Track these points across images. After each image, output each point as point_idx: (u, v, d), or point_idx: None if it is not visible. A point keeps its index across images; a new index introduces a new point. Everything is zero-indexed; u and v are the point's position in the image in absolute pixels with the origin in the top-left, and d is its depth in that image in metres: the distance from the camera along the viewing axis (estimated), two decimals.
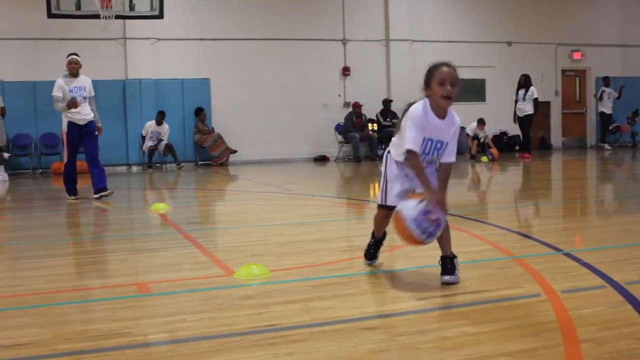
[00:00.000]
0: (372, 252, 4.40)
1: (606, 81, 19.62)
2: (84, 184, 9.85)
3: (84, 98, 9.04)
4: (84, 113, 9.05)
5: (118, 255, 5.22)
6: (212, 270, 4.52)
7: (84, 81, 9.17)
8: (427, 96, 3.85)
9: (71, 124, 9.04)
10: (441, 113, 3.83)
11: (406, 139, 3.80)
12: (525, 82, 16.02)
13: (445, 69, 3.78)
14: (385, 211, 4.12)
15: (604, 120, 19.66)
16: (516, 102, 16.08)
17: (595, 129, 21.13)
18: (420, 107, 3.83)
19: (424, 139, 3.82)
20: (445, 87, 3.74)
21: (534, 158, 16.02)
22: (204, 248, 5.32)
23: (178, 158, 16.18)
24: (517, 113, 16.04)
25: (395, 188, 4.01)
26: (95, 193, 9.12)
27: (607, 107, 19.52)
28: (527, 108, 15.86)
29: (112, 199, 9.01)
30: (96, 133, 9.25)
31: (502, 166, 14.52)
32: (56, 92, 9.01)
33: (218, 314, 3.40)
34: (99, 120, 9.36)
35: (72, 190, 9.29)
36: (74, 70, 9.10)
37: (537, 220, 6.87)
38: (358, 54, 18.47)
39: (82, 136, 9.10)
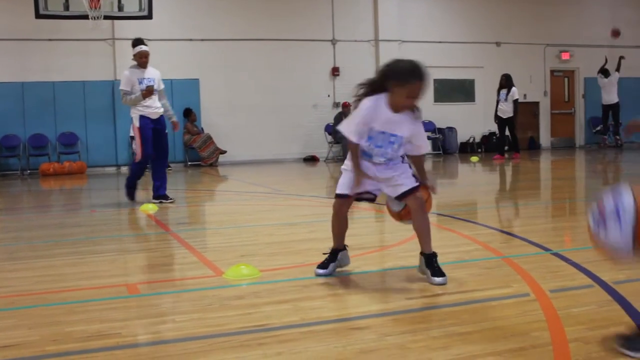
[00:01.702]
0: (324, 262, 4.17)
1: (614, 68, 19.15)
2: (74, 184, 9.79)
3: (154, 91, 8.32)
4: (156, 106, 8.33)
5: (107, 256, 5.20)
6: (202, 270, 4.52)
7: (153, 73, 8.40)
8: (387, 90, 3.79)
9: (144, 118, 8.25)
10: (398, 110, 3.80)
11: (345, 125, 3.89)
12: (506, 82, 16.01)
13: (420, 84, 3.69)
14: (339, 200, 4.06)
15: (611, 110, 18.96)
16: (498, 102, 16.08)
17: (584, 128, 21.22)
18: (372, 102, 3.81)
19: (376, 132, 3.82)
20: (413, 100, 3.72)
21: (523, 158, 16.07)
22: (193, 248, 5.31)
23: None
24: (499, 114, 16.02)
25: (346, 177, 4.00)
26: (155, 199, 8.47)
27: (611, 97, 18.81)
28: (509, 109, 15.85)
29: (103, 200, 8.93)
30: (174, 130, 8.64)
31: (491, 167, 14.57)
32: (124, 86, 8.22)
33: (207, 314, 3.39)
34: (174, 115, 8.67)
35: (134, 194, 8.60)
36: (144, 64, 8.31)
37: (526, 220, 6.89)
38: (347, 55, 18.48)
39: (154, 133, 8.35)
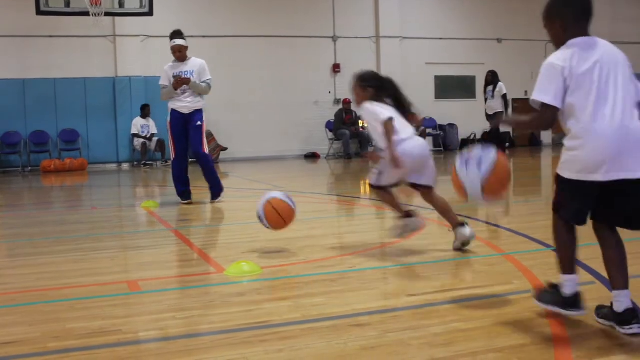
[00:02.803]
0: None
1: None
2: (75, 181, 9.78)
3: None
4: (188, 100, 7.93)
5: (108, 252, 5.20)
6: (203, 267, 4.51)
7: (192, 64, 7.95)
8: None
9: (174, 113, 7.97)
10: None
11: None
12: (492, 79, 15.88)
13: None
14: None
15: None
16: (486, 100, 15.95)
17: None
18: None
19: None
20: None
21: (524, 155, 16.05)
22: (194, 245, 5.31)
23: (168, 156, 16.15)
24: (487, 111, 15.90)
25: None
26: (214, 198, 8.25)
27: None
28: (496, 105, 15.66)
29: (104, 197, 8.93)
30: (185, 82, 7.81)
31: None
32: (162, 81, 8.00)
33: (208, 311, 3.39)
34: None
35: (184, 192, 8.14)
36: (180, 58, 7.95)
37: (527, 217, 6.88)
38: (348, 51, 18.47)
39: (186, 128, 7.97)
